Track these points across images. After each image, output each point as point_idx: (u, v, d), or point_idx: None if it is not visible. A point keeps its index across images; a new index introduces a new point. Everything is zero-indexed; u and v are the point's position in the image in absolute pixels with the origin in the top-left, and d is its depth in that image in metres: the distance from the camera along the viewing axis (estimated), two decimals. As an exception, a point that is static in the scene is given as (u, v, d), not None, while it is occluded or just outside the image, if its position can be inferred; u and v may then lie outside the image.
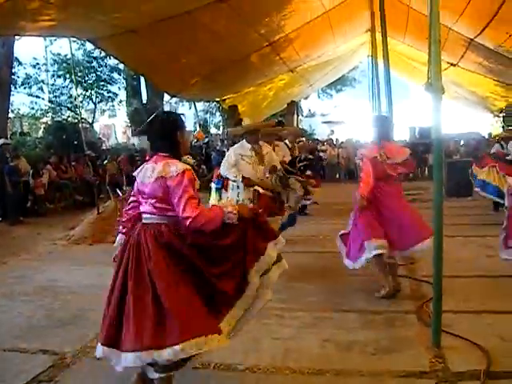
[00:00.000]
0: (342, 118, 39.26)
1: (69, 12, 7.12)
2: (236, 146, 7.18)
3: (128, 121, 30.46)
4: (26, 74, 26.65)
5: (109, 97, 29.83)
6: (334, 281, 6.73)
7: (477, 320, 5.18)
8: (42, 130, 26.53)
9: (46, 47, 27.29)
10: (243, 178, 6.79)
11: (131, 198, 4.02)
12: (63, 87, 27.86)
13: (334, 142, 25.57)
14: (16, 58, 23.16)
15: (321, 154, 22.96)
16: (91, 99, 29.18)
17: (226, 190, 7.33)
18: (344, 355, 4.51)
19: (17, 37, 16.45)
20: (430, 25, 4.47)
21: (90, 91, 28.54)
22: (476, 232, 8.47)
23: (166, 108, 29.68)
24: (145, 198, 3.71)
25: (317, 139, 28.32)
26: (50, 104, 28.17)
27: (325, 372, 4.17)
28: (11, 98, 20.18)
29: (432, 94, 4.46)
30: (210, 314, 3.49)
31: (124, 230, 3.94)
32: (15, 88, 25.17)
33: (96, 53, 26.60)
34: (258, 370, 4.20)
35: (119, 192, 12.28)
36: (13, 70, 21.10)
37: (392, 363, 4.27)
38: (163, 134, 3.75)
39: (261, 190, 6.84)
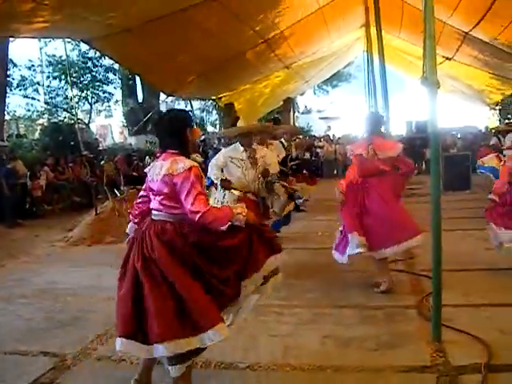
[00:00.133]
0: (338, 114, 39.29)
1: (63, 13, 7.08)
2: (229, 148, 7.15)
3: (124, 121, 30.45)
4: (22, 75, 26.65)
5: (105, 97, 29.83)
6: (333, 277, 6.73)
7: (476, 313, 5.19)
8: (38, 131, 26.48)
9: (40, 49, 27.31)
10: (222, 180, 6.74)
11: (141, 193, 4.05)
12: (59, 88, 27.87)
13: (331, 138, 25.57)
14: (11, 59, 23.12)
15: (318, 150, 22.95)
16: (87, 100, 29.17)
17: (216, 189, 7.32)
18: (344, 351, 4.51)
19: (11, 39, 16.41)
20: (425, 19, 4.47)
21: (85, 92, 28.53)
22: (474, 225, 8.47)
23: (162, 107, 29.67)
24: (153, 194, 3.74)
25: (314, 135, 28.32)
26: (45, 105, 28.17)
27: (325, 368, 4.17)
28: (7, 100, 20.17)
29: (428, 88, 4.45)
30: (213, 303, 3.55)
31: (136, 220, 4.02)
32: (11, 90, 25.14)
33: (91, 53, 26.60)
34: (259, 367, 4.20)
35: (117, 192, 12.28)
36: (8, 72, 21.06)
37: (393, 358, 4.27)
38: (172, 131, 3.74)
39: (236, 193, 6.77)
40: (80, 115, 28.31)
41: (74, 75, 26.42)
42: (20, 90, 26.69)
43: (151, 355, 3.50)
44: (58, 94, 27.98)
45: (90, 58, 27.51)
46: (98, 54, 24.62)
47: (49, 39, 23.28)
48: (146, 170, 3.90)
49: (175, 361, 3.51)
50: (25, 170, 14.49)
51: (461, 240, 7.90)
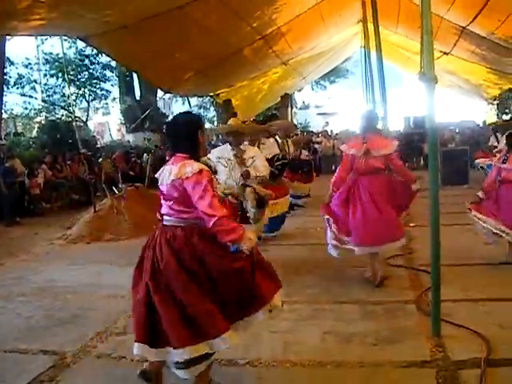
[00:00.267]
0: (336, 109, 39.29)
1: (59, 10, 7.08)
2: (218, 147, 7.11)
3: (122, 118, 30.42)
4: (19, 73, 26.64)
5: (102, 94, 29.84)
6: (332, 272, 6.74)
7: (475, 308, 5.20)
8: (35, 129, 26.47)
9: (37, 46, 27.30)
10: None
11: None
12: (56, 86, 27.85)
13: (329, 134, 25.56)
14: (8, 58, 23.09)
15: (316, 145, 22.93)
16: (84, 97, 29.15)
17: None
18: (344, 347, 4.52)
19: (8, 37, 16.38)
20: (422, 14, 4.46)
21: (82, 89, 28.52)
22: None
23: (160, 104, 29.67)
24: (164, 199, 3.71)
25: (311, 131, 28.31)
26: (43, 103, 28.15)
27: (325, 364, 4.18)
28: (4, 99, 20.11)
29: (425, 83, 4.45)
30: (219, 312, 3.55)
31: None
32: (8, 88, 25.12)
33: (88, 51, 26.57)
34: (259, 363, 4.21)
35: (115, 190, 12.25)
36: (5, 71, 21.03)
37: (393, 353, 4.28)
38: (185, 134, 3.68)
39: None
40: (77, 113, 28.30)
41: (71, 73, 26.40)
42: (17, 88, 26.68)
43: (160, 358, 3.57)
44: (55, 92, 27.96)
45: (87, 56, 27.48)
46: (95, 51, 24.63)
47: (45, 37, 23.24)
48: (156, 175, 3.84)
49: (183, 365, 3.52)
50: (23, 168, 14.47)
51: (459, 235, 7.90)
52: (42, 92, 27.98)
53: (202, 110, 34.24)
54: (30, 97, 27.91)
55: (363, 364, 4.13)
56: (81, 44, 24.14)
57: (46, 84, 27.89)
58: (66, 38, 16.59)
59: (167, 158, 4.41)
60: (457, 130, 23.03)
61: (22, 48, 25.40)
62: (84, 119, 28.99)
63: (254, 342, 4.56)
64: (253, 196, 6.67)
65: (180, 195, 3.54)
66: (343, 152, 6.52)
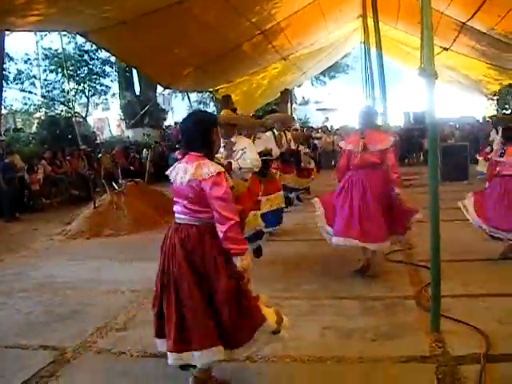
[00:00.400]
0: (335, 105, 39.28)
1: (58, 6, 7.05)
2: None
3: (121, 114, 30.41)
4: (18, 69, 26.64)
5: (101, 90, 29.82)
6: (332, 268, 6.74)
7: (475, 304, 5.21)
8: (35, 125, 26.46)
9: (36, 42, 27.29)
10: None
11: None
12: (55, 82, 27.86)
13: (329, 129, 25.57)
14: (7, 53, 23.06)
15: (315, 141, 22.94)
16: (84, 93, 29.14)
17: None
18: (344, 342, 4.53)
19: (7, 32, 16.35)
20: (422, 10, 4.45)
21: (82, 85, 28.52)
22: (472, 216, 8.51)
23: (160, 100, 29.64)
24: (178, 198, 3.69)
25: (311, 127, 28.32)
26: (42, 99, 28.14)
27: (325, 359, 4.18)
28: (3, 94, 20.10)
29: (425, 78, 4.45)
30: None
31: None
32: (7, 84, 25.11)
33: (87, 46, 26.57)
34: (259, 359, 4.21)
35: (115, 185, 12.26)
36: (4, 66, 21.02)
37: (392, 349, 4.29)
38: (199, 132, 3.66)
39: None
40: (77, 108, 28.29)
41: (71, 68, 26.39)
42: (17, 83, 26.68)
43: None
44: (54, 88, 27.96)
45: (86, 51, 27.47)
46: (94, 46, 24.59)
47: (45, 32, 23.20)
48: (167, 173, 3.82)
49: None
50: (22, 163, 14.48)
51: (459, 230, 7.90)
52: (42, 87, 27.98)
53: (201, 106, 34.26)
54: (30, 92, 27.93)
55: (363, 359, 4.13)
56: (80, 39, 24.14)
57: (45, 79, 27.91)
58: (65, 33, 16.55)
59: (179, 156, 4.39)
60: (457, 126, 23.02)
61: (21, 43, 25.43)
62: (83, 115, 28.99)
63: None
64: None
65: (196, 195, 3.52)
66: (342, 148, 6.62)
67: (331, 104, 40.17)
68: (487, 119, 21.40)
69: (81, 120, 26.41)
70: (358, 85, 17.66)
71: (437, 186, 4.61)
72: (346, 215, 6.21)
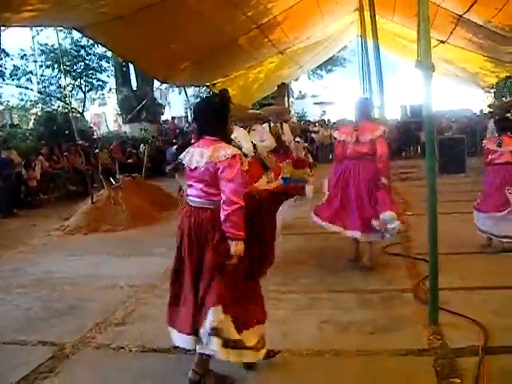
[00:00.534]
0: (333, 99, 39.20)
1: (53, 1, 7.04)
2: None
3: (118, 109, 30.34)
4: (14, 65, 26.54)
5: (98, 85, 29.74)
6: (329, 262, 6.75)
7: (473, 296, 5.22)
8: (32, 121, 26.41)
9: (32, 37, 27.18)
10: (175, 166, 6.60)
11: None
12: (52, 77, 27.79)
13: (326, 123, 25.55)
14: (3, 49, 23.02)
15: (313, 135, 22.92)
16: (80, 88, 29.08)
17: None
18: (342, 335, 4.54)
19: (2, 28, 16.30)
20: (419, 2, 4.45)
21: (79, 80, 28.45)
22: (470, 208, 8.48)
23: (156, 94, 29.58)
24: (193, 182, 3.72)
25: (308, 121, 28.30)
26: (39, 95, 28.06)
27: (324, 353, 4.19)
28: (0, 90, 20.07)
29: (422, 71, 4.45)
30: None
31: None
32: (3, 80, 25.10)
33: (84, 41, 26.47)
34: (258, 353, 4.21)
35: (112, 180, 12.25)
36: (0, 62, 20.96)
37: (390, 342, 4.30)
38: (214, 116, 3.71)
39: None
40: (74, 104, 28.22)
41: (67, 64, 26.30)
42: (13, 79, 26.59)
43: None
44: (51, 83, 27.88)
45: (82, 47, 27.38)
46: (90, 42, 24.48)
47: (41, 28, 23.12)
48: (180, 157, 3.86)
49: None
50: (19, 159, 14.46)
51: (456, 223, 7.92)
52: (38, 83, 27.90)
53: (198, 100, 34.21)
54: (26, 88, 27.85)
55: (361, 352, 4.14)
56: (76, 35, 24.08)
57: (41, 75, 27.82)
58: (61, 28, 16.45)
59: (193, 140, 4.41)
60: (453, 119, 23.01)
61: (17, 39, 25.35)
62: (80, 110, 28.90)
63: (252, 332, 4.57)
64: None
65: (212, 178, 3.56)
66: (336, 138, 6.70)
67: (328, 98, 40.07)
68: (488, 106, 21.41)
69: (78, 115, 26.32)
70: (355, 78, 17.61)
71: (434, 178, 4.61)
72: (337, 206, 6.35)
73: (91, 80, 28.99)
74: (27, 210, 13.42)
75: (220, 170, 3.50)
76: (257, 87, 17.92)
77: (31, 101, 28.57)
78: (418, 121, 18.81)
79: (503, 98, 26.34)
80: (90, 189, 12.22)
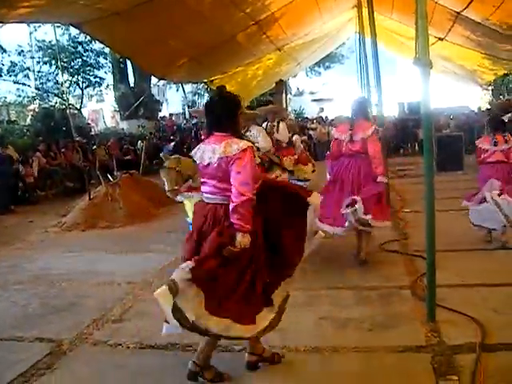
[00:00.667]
0: (331, 96, 39.16)
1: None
2: None
3: (116, 105, 30.30)
4: (11, 61, 26.44)
5: (96, 82, 29.65)
6: (327, 259, 6.74)
7: (470, 293, 5.22)
8: (29, 117, 26.33)
9: (30, 34, 27.06)
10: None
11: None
12: (49, 73, 27.69)
13: (324, 120, 25.53)
14: (0, 45, 22.94)
15: (311, 132, 22.91)
16: (78, 85, 28.98)
17: None
18: (340, 332, 4.54)
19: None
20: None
21: (76, 77, 28.36)
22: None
23: (154, 91, 29.53)
24: (206, 178, 3.74)
25: (306, 117, 28.28)
26: (36, 91, 27.99)
27: (322, 349, 4.19)
28: (-3, 87, 20.05)
29: (420, 68, 4.44)
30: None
31: None
32: (1, 76, 25.05)
33: (81, 38, 26.39)
34: (256, 350, 4.20)
35: (110, 177, 12.23)
36: (-2, 58, 20.93)
37: (388, 339, 4.30)
38: (226, 113, 3.72)
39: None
40: (71, 100, 28.16)
41: (65, 60, 26.24)
42: (10, 75, 26.52)
43: None
44: (48, 80, 27.80)
45: (80, 43, 27.31)
46: (88, 38, 24.43)
47: (38, 24, 23.06)
48: (191, 154, 3.89)
49: None
50: (16, 155, 14.43)
51: (454, 220, 7.92)
52: (36, 79, 27.82)
53: (196, 97, 34.17)
54: (24, 84, 27.76)
55: (359, 349, 4.15)
56: (74, 31, 23.98)
57: (39, 71, 27.74)
58: (58, 25, 16.44)
59: (203, 137, 4.43)
60: (451, 116, 23.01)
61: (14, 35, 25.22)
62: (78, 106, 28.84)
63: (249, 328, 4.57)
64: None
65: (225, 173, 3.58)
66: (333, 137, 6.90)
67: (326, 94, 40.04)
68: (488, 104, 21.41)
69: (75, 112, 26.29)
70: (354, 75, 17.61)
71: (432, 176, 4.62)
72: (332, 203, 6.41)
73: (89, 76, 28.89)
74: (24, 206, 13.40)
75: (231, 163, 3.52)
76: (255, 84, 17.92)
77: (28, 97, 28.48)
78: (416, 118, 18.80)
79: (501, 96, 26.35)
80: (88, 185, 12.20)
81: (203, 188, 3.78)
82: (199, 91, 33.51)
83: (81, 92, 29.73)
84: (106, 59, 28.56)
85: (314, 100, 39.94)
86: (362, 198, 6.18)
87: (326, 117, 26.69)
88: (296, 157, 11.20)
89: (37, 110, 25.44)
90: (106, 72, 29.53)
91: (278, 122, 10.10)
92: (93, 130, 25.81)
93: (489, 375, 3.59)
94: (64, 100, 24.85)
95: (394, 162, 15.75)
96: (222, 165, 3.57)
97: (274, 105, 12.71)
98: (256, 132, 8.88)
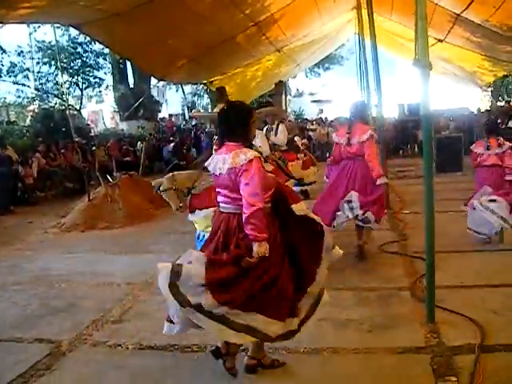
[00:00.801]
0: (330, 97, 39.18)
1: (51, -2, 7.05)
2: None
3: (116, 106, 30.30)
4: (11, 62, 26.43)
5: (95, 82, 29.64)
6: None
7: (470, 294, 5.23)
8: (29, 118, 26.32)
9: (30, 34, 27.02)
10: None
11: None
12: (49, 74, 27.68)
13: (323, 121, 25.54)
14: (0, 46, 22.91)
15: (310, 133, 22.90)
16: (78, 85, 28.98)
17: None
18: (340, 333, 4.54)
19: (-1, 25, 16.24)
20: (417, 1, 4.45)
21: (76, 77, 28.37)
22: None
23: (154, 92, 29.53)
24: (220, 188, 3.77)
25: (306, 119, 28.28)
26: (36, 92, 27.97)
27: (321, 350, 4.20)
28: (-3, 87, 20.05)
29: (420, 69, 4.44)
30: None
31: None
32: (0, 77, 24.99)
33: (81, 38, 26.39)
34: (255, 351, 4.20)
35: (109, 178, 12.23)
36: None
37: (388, 340, 4.30)
38: (239, 122, 3.74)
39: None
40: (71, 101, 28.16)
41: (64, 61, 26.24)
42: (10, 76, 26.51)
43: None
44: (48, 80, 27.79)
45: (79, 44, 27.32)
46: (88, 39, 24.45)
47: (38, 25, 23.06)
48: (205, 164, 3.92)
49: None
50: (16, 156, 14.42)
51: (453, 221, 7.92)
52: (35, 80, 27.79)
53: (195, 98, 34.18)
54: (23, 85, 27.75)
55: (358, 350, 4.15)
56: (74, 32, 23.94)
57: (38, 72, 27.70)
58: (58, 25, 16.45)
59: (215, 147, 4.46)
60: (451, 118, 23.01)
61: (14, 36, 25.23)
62: (77, 107, 28.84)
63: (249, 330, 4.57)
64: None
65: (234, 183, 3.60)
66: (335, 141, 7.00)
67: (326, 95, 40.08)
68: (489, 107, 21.41)
69: (75, 113, 26.29)
70: (353, 76, 17.64)
71: (431, 177, 4.63)
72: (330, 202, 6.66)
73: (88, 77, 28.90)
74: (24, 207, 13.38)
75: (239, 175, 3.54)
76: (254, 85, 17.93)
77: (28, 98, 28.47)
78: (416, 119, 18.82)
79: (500, 98, 26.36)
80: (87, 186, 12.18)
81: (218, 198, 3.82)
82: (199, 92, 33.55)
83: (80, 93, 29.74)
84: (106, 60, 28.57)
85: (314, 101, 39.97)
86: (360, 200, 6.32)
87: (326, 118, 26.70)
88: (301, 162, 11.25)
89: (36, 110, 25.42)
90: (105, 73, 29.57)
91: (278, 124, 10.11)
92: (92, 130, 25.78)
93: (488, 376, 3.58)
94: (64, 101, 24.85)
95: (394, 163, 15.78)
96: (231, 175, 3.59)
97: (273, 106, 12.71)
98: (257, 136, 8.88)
